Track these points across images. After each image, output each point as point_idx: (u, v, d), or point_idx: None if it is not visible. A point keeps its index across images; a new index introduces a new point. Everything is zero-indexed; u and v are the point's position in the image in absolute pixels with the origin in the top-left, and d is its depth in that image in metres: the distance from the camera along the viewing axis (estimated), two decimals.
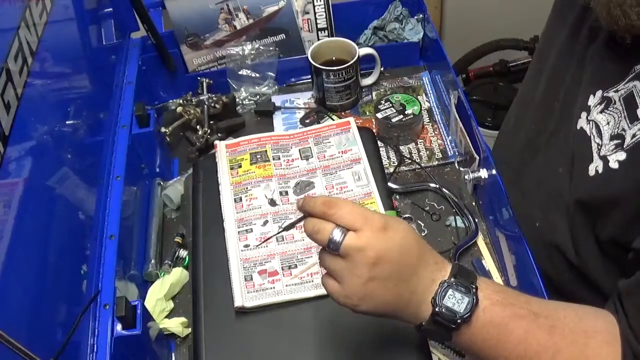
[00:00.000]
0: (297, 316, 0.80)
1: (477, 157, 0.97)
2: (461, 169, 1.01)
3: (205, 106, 1.17)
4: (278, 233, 0.80)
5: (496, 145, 1.06)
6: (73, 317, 0.74)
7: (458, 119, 1.05)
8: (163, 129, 1.13)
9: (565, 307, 0.68)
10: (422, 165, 1.08)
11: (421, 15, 1.28)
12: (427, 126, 1.16)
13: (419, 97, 1.19)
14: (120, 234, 0.88)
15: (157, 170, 1.09)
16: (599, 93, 0.74)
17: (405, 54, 1.28)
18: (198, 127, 1.14)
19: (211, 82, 1.22)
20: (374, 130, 1.11)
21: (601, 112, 0.73)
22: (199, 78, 1.22)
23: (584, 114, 0.75)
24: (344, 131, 1.02)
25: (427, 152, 1.11)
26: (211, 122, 1.16)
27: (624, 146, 0.68)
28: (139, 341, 0.79)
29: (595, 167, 0.72)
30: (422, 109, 1.13)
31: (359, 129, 1.02)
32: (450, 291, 0.63)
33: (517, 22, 1.96)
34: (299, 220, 0.67)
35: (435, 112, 1.19)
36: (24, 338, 0.59)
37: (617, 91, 0.72)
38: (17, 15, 0.77)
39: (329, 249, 0.64)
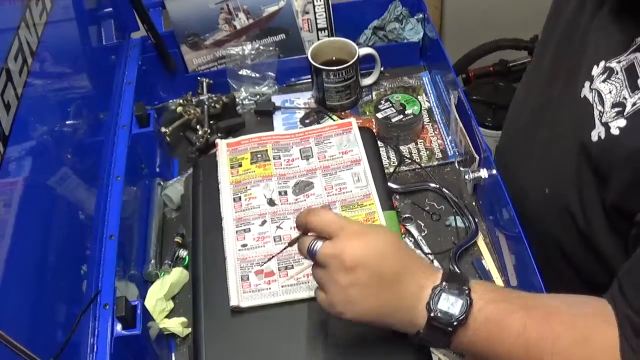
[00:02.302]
0: (298, 317, 0.80)
1: (477, 157, 0.97)
2: (461, 169, 1.01)
3: (205, 106, 1.17)
4: (279, 253, 0.80)
5: (508, 117, 1.08)
6: (73, 317, 0.74)
7: (458, 119, 1.05)
8: (163, 129, 1.13)
9: (558, 296, 0.69)
10: (422, 165, 1.08)
11: (421, 15, 1.28)
12: (427, 126, 1.16)
13: (419, 97, 1.19)
14: (120, 234, 0.88)
15: (157, 170, 1.09)
16: (602, 63, 0.76)
17: (405, 54, 1.28)
18: (198, 127, 1.14)
19: (211, 82, 1.22)
20: (374, 130, 1.11)
21: (604, 81, 0.75)
22: (199, 78, 1.22)
23: (587, 83, 0.78)
24: (346, 132, 1.02)
25: (427, 152, 1.11)
26: (211, 122, 1.16)
27: (625, 114, 0.71)
28: (139, 341, 0.79)
29: (597, 133, 0.74)
30: (422, 109, 1.13)
31: (360, 129, 1.02)
32: (443, 295, 0.64)
33: (517, 22, 1.96)
34: (297, 239, 0.71)
35: (435, 112, 1.19)
36: (24, 338, 0.59)
37: (619, 62, 0.74)
38: (17, 15, 0.78)
39: (312, 259, 0.68)
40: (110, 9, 1.17)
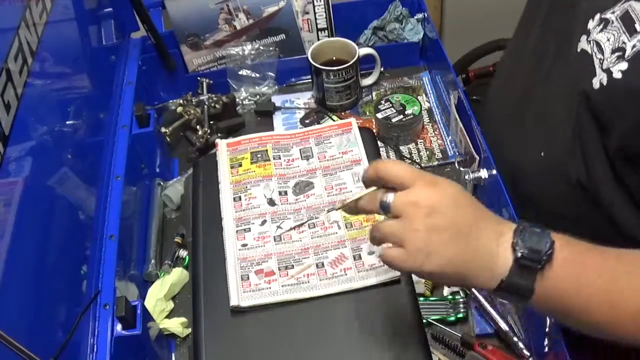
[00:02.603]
0: (298, 317, 0.80)
1: (477, 157, 0.97)
2: (461, 169, 1.01)
3: (205, 106, 1.17)
4: (308, 221, 0.75)
5: (492, 97, 1.07)
6: (73, 317, 0.74)
7: (458, 119, 1.05)
8: (163, 129, 1.13)
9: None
10: (422, 165, 1.08)
11: (421, 15, 1.28)
12: (427, 126, 1.16)
13: (419, 97, 1.19)
14: (120, 234, 0.88)
15: (157, 170, 1.09)
16: (597, 16, 0.78)
17: (405, 54, 1.28)
18: (198, 127, 1.14)
19: (211, 82, 1.22)
20: (374, 131, 1.11)
21: (600, 31, 0.77)
22: (199, 78, 1.22)
23: (584, 37, 0.79)
24: (346, 132, 1.02)
25: (427, 152, 1.12)
26: (211, 122, 1.16)
27: (625, 57, 0.72)
28: (139, 341, 0.79)
29: (599, 80, 0.75)
30: (422, 109, 1.13)
31: (360, 129, 1.02)
32: (527, 235, 0.63)
33: (517, 22, 1.96)
34: (356, 201, 0.68)
35: (435, 112, 1.19)
36: (24, 338, 0.59)
37: (613, 12, 0.76)
38: (17, 15, 0.78)
39: (383, 211, 0.65)
40: (110, 9, 1.17)
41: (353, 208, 0.70)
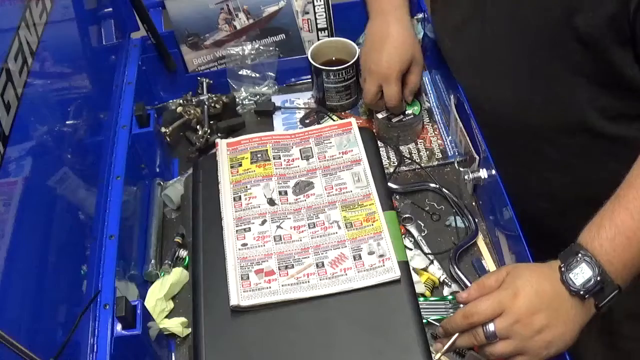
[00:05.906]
0: (298, 316, 0.80)
1: (477, 157, 0.97)
2: (461, 169, 1.01)
3: (205, 106, 1.17)
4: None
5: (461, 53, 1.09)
6: (73, 317, 0.74)
7: (458, 119, 1.05)
8: (163, 129, 1.13)
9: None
10: (422, 165, 1.08)
11: (421, 15, 1.27)
12: (427, 126, 1.16)
13: (419, 97, 1.19)
14: (120, 234, 0.88)
15: (157, 170, 1.09)
16: None
17: None
18: (198, 127, 1.14)
19: (211, 82, 1.22)
20: (374, 131, 1.11)
21: None
22: (199, 78, 1.22)
23: None
24: (345, 132, 1.02)
25: (427, 152, 1.12)
26: (211, 122, 1.16)
27: None
28: (139, 341, 0.79)
29: None
30: (422, 109, 1.13)
31: (360, 129, 1.02)
32: (570, 275, 0.71)
33: None
34: (453, 343, 0.77)
35: (435, 112, 1.19)
36: (24, 338, 0.59)
37: None
38: (17, 15, 0.78)
39: (489, 340, 0.73)
40: (110, 9, 1.17)
41: (450, 347, 0.77)
